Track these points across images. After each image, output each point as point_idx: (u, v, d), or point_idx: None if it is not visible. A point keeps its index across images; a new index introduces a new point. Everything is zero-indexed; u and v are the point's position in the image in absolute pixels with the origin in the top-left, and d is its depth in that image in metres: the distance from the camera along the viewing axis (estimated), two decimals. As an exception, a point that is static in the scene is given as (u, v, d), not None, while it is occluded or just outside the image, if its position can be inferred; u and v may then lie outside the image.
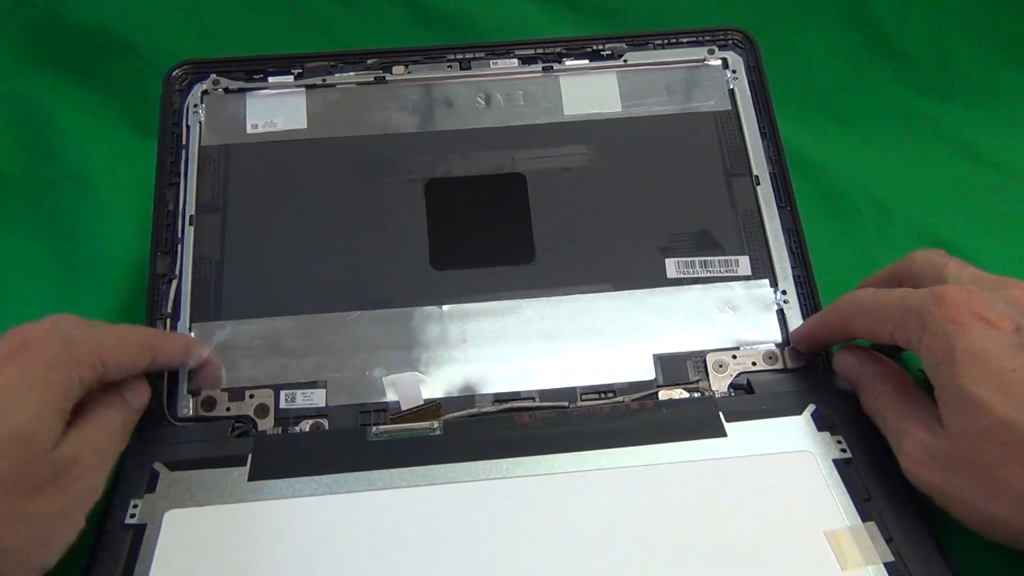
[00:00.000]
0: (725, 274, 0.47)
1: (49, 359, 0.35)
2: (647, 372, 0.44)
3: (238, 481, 0.38)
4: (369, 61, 0.51)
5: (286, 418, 0.43)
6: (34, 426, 0.33)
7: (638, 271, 0.46)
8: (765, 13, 0.66)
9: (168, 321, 0.45)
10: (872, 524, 0.36)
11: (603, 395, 0.44)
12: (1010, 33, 0.68)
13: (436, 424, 0.41)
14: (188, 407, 0.43)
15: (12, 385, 0.34)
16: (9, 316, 0.50)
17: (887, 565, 0.34)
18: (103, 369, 0.37)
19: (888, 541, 0.35)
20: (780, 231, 0.47)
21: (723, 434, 0.40)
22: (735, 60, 0.52)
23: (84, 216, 0.55)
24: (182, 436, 0.41)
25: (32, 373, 0.34)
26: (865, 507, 0.37)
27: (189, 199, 0.47)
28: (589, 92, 0.51)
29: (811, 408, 0.40)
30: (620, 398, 0.43)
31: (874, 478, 0.38)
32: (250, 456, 0.39)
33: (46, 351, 0.35)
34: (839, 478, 0.38)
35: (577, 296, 0.46)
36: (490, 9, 0.64)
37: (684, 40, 0.52)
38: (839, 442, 0.39)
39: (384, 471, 0.38)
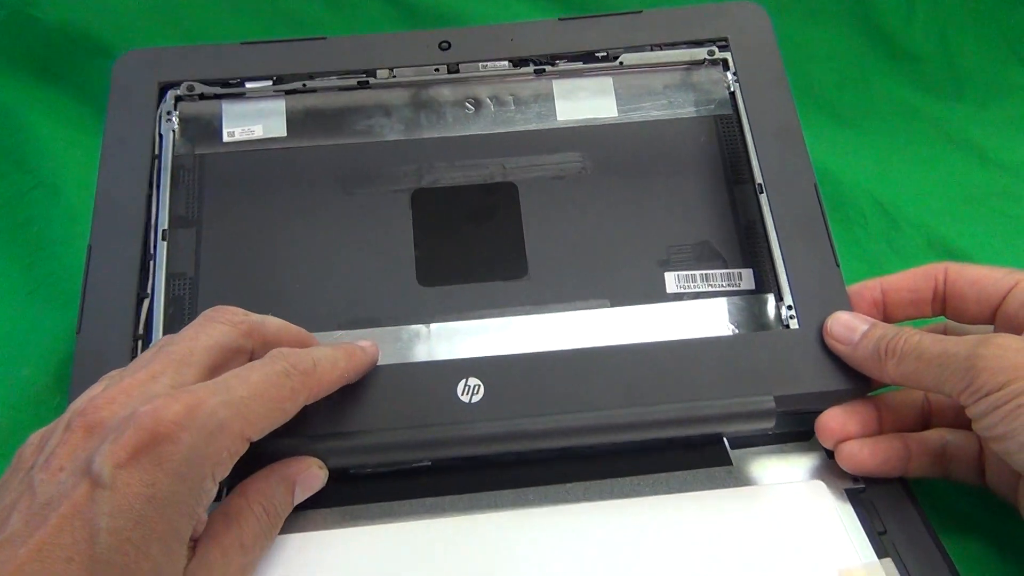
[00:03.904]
0: (728, 288, 0.44)
1: (181, 465, 0.28)
2: (647, 393, 0.42)
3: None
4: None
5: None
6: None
7: (636, 286, 0.44)
8: (764, 8, 0.64)
9: (140, 343, 0.42)
10: (888, 561, 0.34)
11: (600, 418, 0.41)
12: (1018, 31, 0.66)
13: (423, 453, 0.38)
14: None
15: (136, 512, 0.27)
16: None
17: (905, 606, 0.32)
18: (247, 446, 0.31)
19: (906, 580, 0.33)
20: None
21: (728, 462, 0.37)
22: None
23: (55, 227, 0.52)
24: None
25: (161, 491, 0.28)
26: (880, 541, 0.34)
27: (162, 212, 0.44)
28: (584, 96, 0.49)
29: (821, 433, 0.38)
30: (618, 422, 0.41)
31: (890, 510, 0.35)
32: (226, 490, 0.37)
33: (180, 450, 0.28)
34: (852, 510, 0.35)
35: (572, 312, 0.43)
36: (477, 7, 0.61)
37: (682, 40, 0.50)
38: (851, 470, 0.37)
39: (364, 506, 0.36)
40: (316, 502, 0.35)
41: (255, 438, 0.31)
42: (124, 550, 0.26)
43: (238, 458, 0.31)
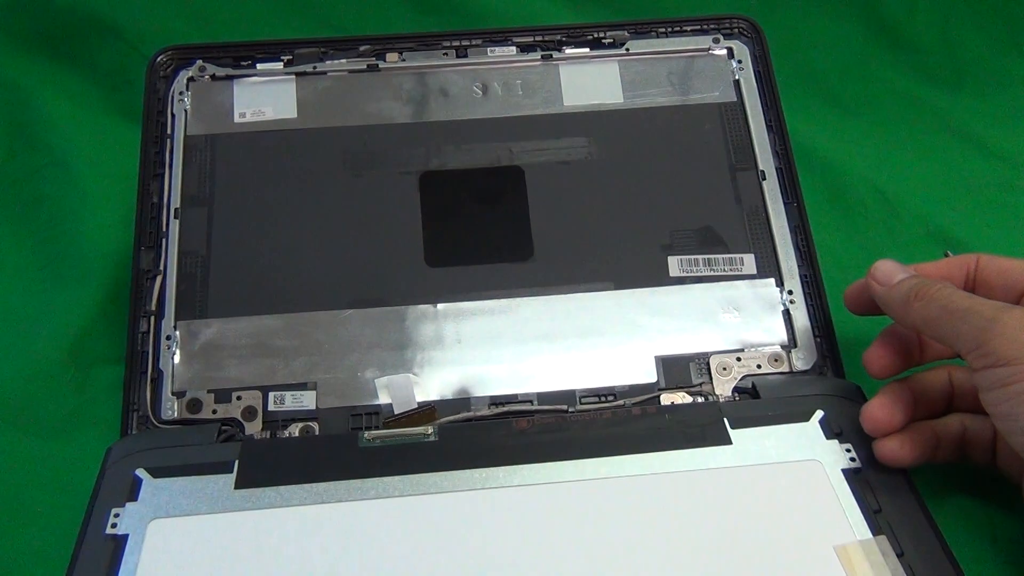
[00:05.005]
0: (729, 273, 0.45)
1: None
2: (649, 374, 0.43)
3: (224, 489, 0.36)
4: (361, 48, 0.49)
5: (275, 421, 0.41)
6: None
7: (640, 269, 0.45)
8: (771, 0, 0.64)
9: (152, 319, 0.43)
10: (883, 538, 0.34)
11: (603, 398, 0.42)
12: (1019, 22, 0.66)
13: (430, 429, 0.39)
14: (173, 409, 0.41)
15: None
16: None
17: (898, 581, 0.33)
18: None
19: (899, 556, 0.34)
20: (786, 228, 0.46)
21: (728, 442, 0.38)
22: (741, 50, 0.50)
23: (67, 204, 0.53)
24: (166, 440, 0.40)
25: None
26: (875, 519, 0.35)
27: (174, 191, 0.45)
28: (590, 82, 0.49)
29: (819, 415, 0.39)
30: (621, 402, 0.42)
31: (884, 489, 0.36)
32: (237, 463, 0.37)
33: None
34: (848, 489, 0.36)
35: (576, 295, 0.44)
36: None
37: (688, 28, 0.50)
38: (848, 450, 0.38)
39: (376, 479, 0.37)
40: (278, 479, 0.37)
41: None
42: None
43: None
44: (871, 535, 0.35)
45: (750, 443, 0.38)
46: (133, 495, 0.36)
